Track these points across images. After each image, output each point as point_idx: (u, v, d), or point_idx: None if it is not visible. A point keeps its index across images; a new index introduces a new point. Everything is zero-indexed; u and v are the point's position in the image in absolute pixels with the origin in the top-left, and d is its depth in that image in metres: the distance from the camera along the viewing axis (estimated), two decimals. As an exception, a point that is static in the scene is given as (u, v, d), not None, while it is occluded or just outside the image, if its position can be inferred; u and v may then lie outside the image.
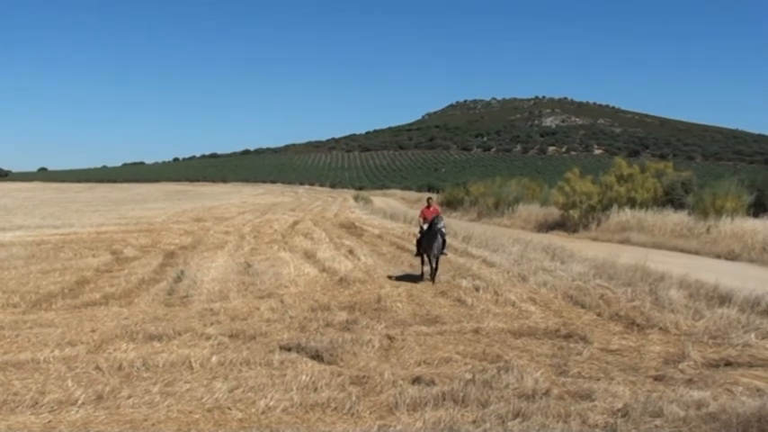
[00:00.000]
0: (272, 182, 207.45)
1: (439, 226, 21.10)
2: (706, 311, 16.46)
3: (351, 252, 28.62)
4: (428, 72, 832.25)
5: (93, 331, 14.41)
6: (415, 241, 24.20)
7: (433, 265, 21.65)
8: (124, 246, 30.48)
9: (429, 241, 21.48)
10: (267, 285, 20.31)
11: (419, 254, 22.71)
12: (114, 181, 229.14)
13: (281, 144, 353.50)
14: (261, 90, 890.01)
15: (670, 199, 43.26)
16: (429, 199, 25.21)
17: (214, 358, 12.36)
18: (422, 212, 23.49)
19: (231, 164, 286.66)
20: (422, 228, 22.61)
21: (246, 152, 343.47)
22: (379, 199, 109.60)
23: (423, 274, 22.27)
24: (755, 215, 38.19)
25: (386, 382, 10.97)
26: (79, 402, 10.02)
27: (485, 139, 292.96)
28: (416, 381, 11.13)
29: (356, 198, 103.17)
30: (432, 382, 11.05)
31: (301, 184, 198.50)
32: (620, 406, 10.01)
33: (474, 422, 9.33)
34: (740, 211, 37.40)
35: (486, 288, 19.68)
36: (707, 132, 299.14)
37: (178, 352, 12.75)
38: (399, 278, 21.98)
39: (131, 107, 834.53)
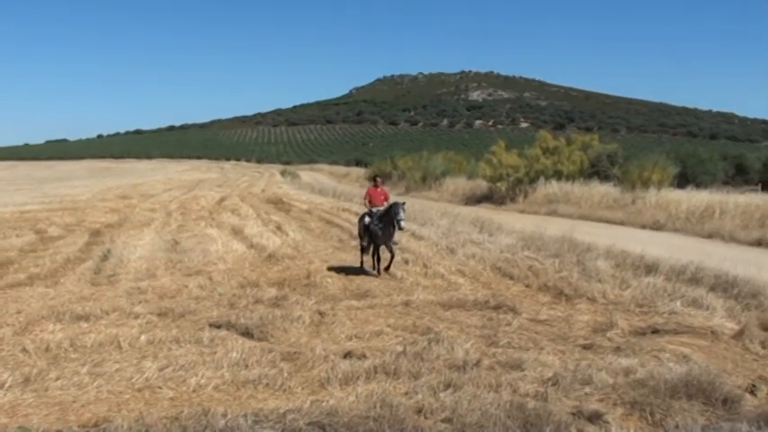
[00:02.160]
0: (198, 158, 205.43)
1: (399, 217, 17.95)
2: (633, 281, 16.73)
3: (279, 228, 28.51)
4: (355, 46, 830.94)
5: (18, 312, 14.13)
6: (359, 227, 19.82)
7: (390, 254, 18.85)
8: (48, 225, 29.94)
9: (383, 231, 18.51)
10: (195, 262, 20.17)
11: (364, 243, 19.36)
12: (37, 159, 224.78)
13: (206, 119, 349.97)
14: (186, 64, 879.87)
15: (596, 171, 43.84)
16: (376, 178, 21.29)
17: (143, 337, 12.21)
18: (367, 193, 20.06)
19: (156, 140, 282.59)
20: (369, 212, 19.29)
21: (172, 128, 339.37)
22: (307, 174, 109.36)
23: (362, 263, 19.65)
24: (680, 186, 38.88)
25: (317, 357, 10.95)
26: (6, 385, 9.81)
27: (412, 113, 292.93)
28: (348, 355, 11.13)
29: (283, 173, 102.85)
30: (363, 356, 11.07)
31: (228, 159, 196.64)
32: (550, 375, 10.13)
33: (406, 394, 9.38)
34: (665, 182, 38.01)
35: (416, 261, 19.81)
36: (632, 105, 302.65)
37: (106, 332, 12.56)
38: (332, 257, 21.90)
39: (53, 83, 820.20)
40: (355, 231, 24.11)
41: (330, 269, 19.17)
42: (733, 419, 8.75)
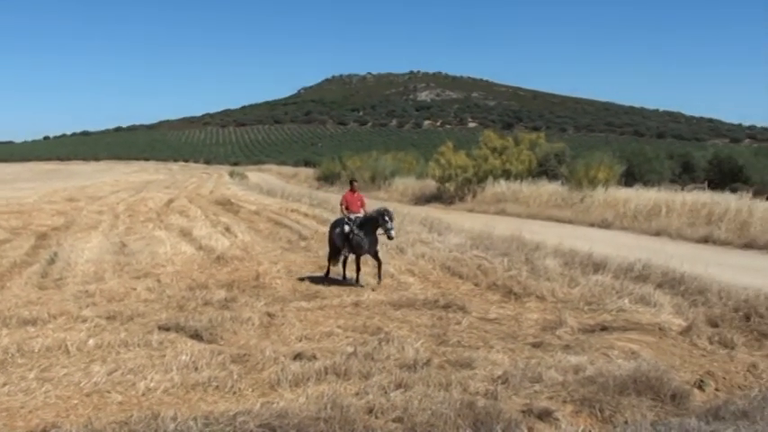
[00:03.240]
0: (146, 159, 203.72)
1: (389, 226, 17.02)
2: (581, 279, 16.88)
3: (227, 229, 28.40)
4: (303, 46, 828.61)
5: (-38, 318, 13.93)
6: (331, 236, 18.50)
7: (378, 262, 17.88)
8: (-7, 228, 29.52)
9: (366, 240, 17.43)
10: (143, 265, 20.01)
11: (337, 254, 18.38)
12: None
13: (154, 120, 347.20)
14: (134, 64, 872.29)
15: (544, 170, 44.17)
16: (353, 182, 19.51)
17: (91, 341, 12.06)
18: (344, 199, 18.62)
19: (103, 141, 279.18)
20: (347, 220, 17.94)
21: (119, 129, 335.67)
22: (255, 175, 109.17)
23: (328, 273, 18.68)
24: (627, 185, 39.31)
25: (267, 359, 10.90)
26: (-49, 391, 9.69)
27: (361, 113, 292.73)
28: (298, 356, 11.09)
29: (232, 174, 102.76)
30: (313, 357, 11.03)
31: (176, 160, 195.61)
32: (499, 373, 10.18)
33: (357, 394, 9.37)
34: (612, 180, 38.37)
35: (365, 261, 19.77)
36: (579, 105, 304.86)
37: (54, 336, 12.39)
38: (281, 258, 21.82)
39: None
40: (305, 232, 24.02)
41: (279, 270, 19.09)
42: (682, 415, 8.85)
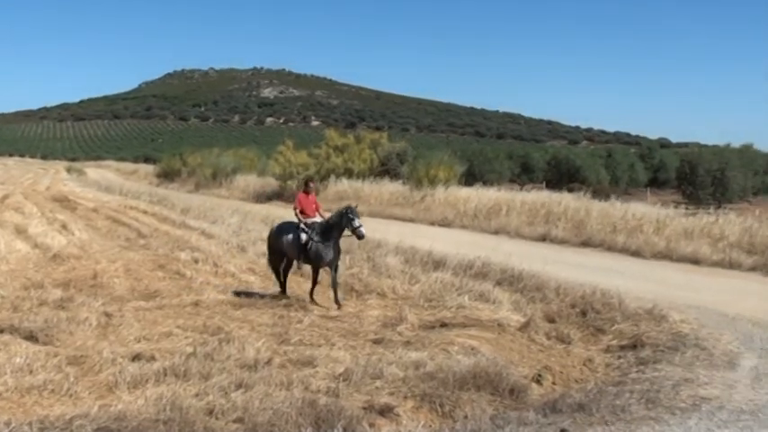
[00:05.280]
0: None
1: (356, 224, 14.91)
2: (422, 276, 17.07)
3: (64, 227, 27.67)
4: (144, 39, 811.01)
5: None
6: (278, 245, 16.11)
7: (333, 278, 15.48)
8: None
9: (331, 251, 15.28)
10: (-26, 264, 19.28)
11: (287, 266, 16.26)
12: None
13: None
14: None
15: (386, 169, 44.53)
16: (309, 183, 16.97)
17: None
18: (299, 201, 16.18)
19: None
20: (302, 226, 15.68)
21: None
22: (94, 171, 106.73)
23: (285, 287, 16.32)
24: (468, 184, 39.99)
25: (104, 360, 10.62)
26: None
27: (202, 109, 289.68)
28: (136, 357, 10.86)
29: (69, 170, 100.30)
30: (152, 358, 10.82)
31: (11, 155, 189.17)
32: (341, 370, 10.20)
33: (197, 395, 9.22)
34: (453, 180, 38.94)
35: (206, 260, 19.60)
36: (421, 105, 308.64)
37: None
38: (119, 257, 21.33)
39: None
40: (144, 230, 23.54)
41: (117, 269, 18.67)
42: (520, 408, 9.05)
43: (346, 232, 15.26)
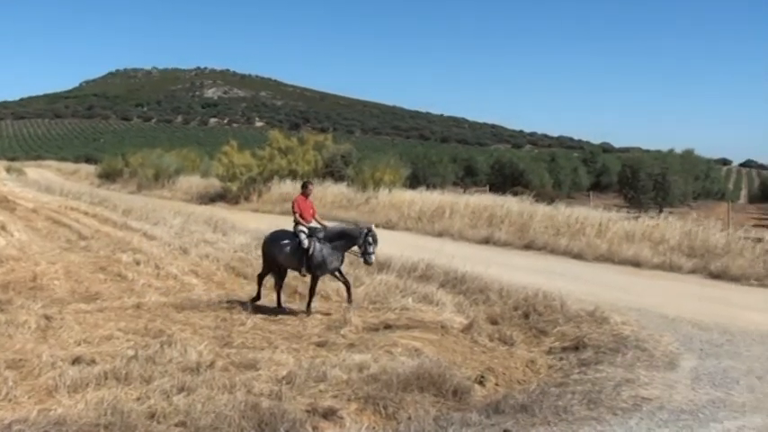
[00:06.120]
0: None
1: (371, 251, 14.37)
2: (365, 278, 17.08)
3: (3, 228, 27.22)
4: (86, 37, 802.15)
5: None
6: (270, 252, 15.29)
7: (345, 283, 15.02)
8: None
9: (338, 258, 14.77)
10: None
11: (281, 276, 15.41)
12: None
13: None
14: None
15: (330, 171, 44.50)
16: (308, 185, 15.89)
17: None
18: (297, 204, 15.17)
19: None
20: (301, 230, 14.86)
21: None
22: (34, 171, 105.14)
23: (281, 301, 15.42)
24: (412, 187, 40.10)
25: (44, 364, 10.47)
26: None
27: (145, 109, 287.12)
28: (77, 361, 10.72)
29: (8, 170, 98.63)
30: (93, 362, 10.69)
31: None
32: (284, 373, 10.16)
33: (138, 399, 9.12)
34: (398, 182, 39.09)
35: (148, 262, 19.43)
36: (366, 108, 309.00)
37: None
38: (60, 258, 21.04)
39: None
40: (85, 232, 23.28)
41: (57, 271, 18.44)
42: (463, 409, 9.10)
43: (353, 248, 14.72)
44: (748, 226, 26.90)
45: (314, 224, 15.07)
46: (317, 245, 14.51)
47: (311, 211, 15.21)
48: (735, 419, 8.95)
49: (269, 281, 15.60)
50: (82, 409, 8.72)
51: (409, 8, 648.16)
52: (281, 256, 15.00)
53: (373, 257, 14.42)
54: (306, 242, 14.52)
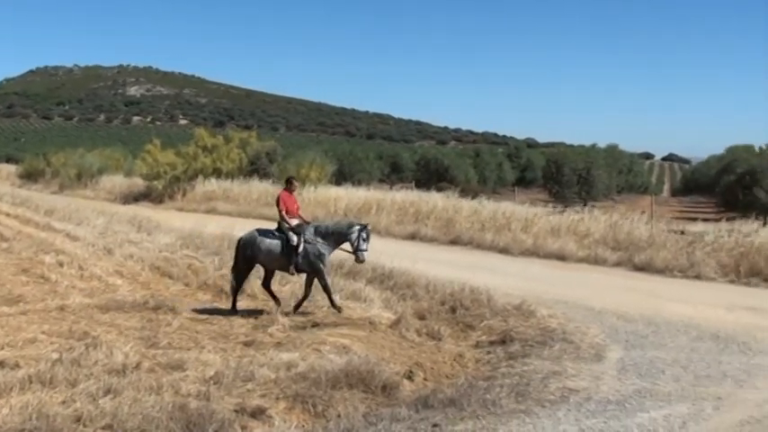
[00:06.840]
0: None
1: (364, 247, 13.91)
2: (292, 277, 16.96)
3: None
4: (4, 34, 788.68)
5: None
6: (250, 253, 14.63)
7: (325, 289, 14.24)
8: None
9: (323, 248, 14.17)
10: None
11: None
12: None
13: None
14: None
15: (255, 169, 44.40)
16: (292, 180, 15.33)
17: None
18: (282, 200, 14.62)
19: None
20: (287, 227, 14.36)
21: None
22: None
23: (279, 302, 14.63)
24: (338, 184, 40.24)
25: (-34, 368, 10.26)
26: None
27: (66, 107, 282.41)
28: (0, 365, 10.52)
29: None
30: (16, 366, 10.46)
31: None
32: (211, 373, 10.07)
33: (64, 403, 8.95)
34: (324, 179, 39.14)
35: (71, 263, 19.13)
36: (291, 104, 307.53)
37: None
38: None
39: None
40: (6, 233, 22.90)
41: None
42: (393, 405, 9.14)
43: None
44: (670, 218, 27.39)
45: (296, 221, 14.51)
46: (312, 240, 14.07)
47: (296, 206, 14.77)
48: (661, 408, 9.10)
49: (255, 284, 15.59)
50: (6, 415, 8.55)
51: (334, 3, 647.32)
52: (265, 256, 14.47)
53: (366, 254, 13.99)
54: (295, 239, 14.06)
